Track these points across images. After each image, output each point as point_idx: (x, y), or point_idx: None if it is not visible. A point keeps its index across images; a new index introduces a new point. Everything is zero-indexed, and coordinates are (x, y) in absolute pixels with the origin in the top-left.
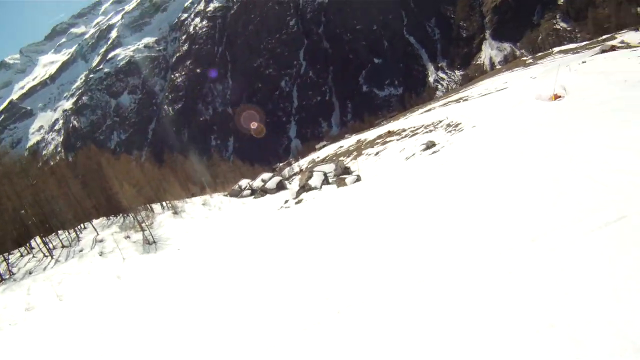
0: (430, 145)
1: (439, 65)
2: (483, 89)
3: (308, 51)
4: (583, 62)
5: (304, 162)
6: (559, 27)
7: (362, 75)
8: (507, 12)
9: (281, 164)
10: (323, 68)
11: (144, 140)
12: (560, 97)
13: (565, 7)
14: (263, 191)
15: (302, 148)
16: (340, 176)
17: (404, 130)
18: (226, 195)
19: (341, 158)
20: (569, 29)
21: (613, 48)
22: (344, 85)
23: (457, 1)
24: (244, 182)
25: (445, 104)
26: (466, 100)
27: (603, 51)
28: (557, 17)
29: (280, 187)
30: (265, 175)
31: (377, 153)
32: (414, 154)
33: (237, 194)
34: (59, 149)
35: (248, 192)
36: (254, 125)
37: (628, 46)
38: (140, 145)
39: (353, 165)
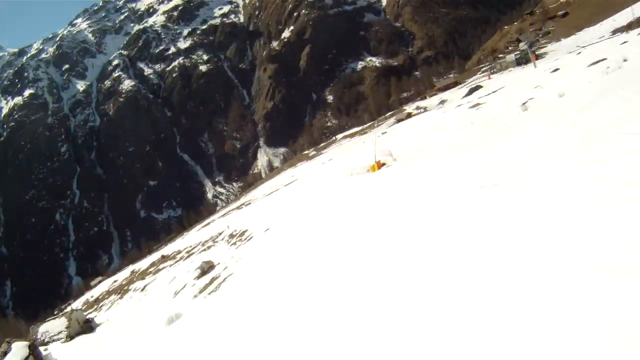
0: (206, 268)
1: (216, 180)
2: (268, 188)
3: (81, 179)
4: (383, 133)
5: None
6: (330, 123)
7: (138, 199)
8: (278, 118)
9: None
10: (98, 196)
11: None
12: (384, 164)
13: (336, 105)
14: None
15: (83, 285)
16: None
17: (179, 252)
18: None
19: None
20: (341, 124)
21: (409, 115)
22: (121, 212)
23: (228, 113)
24: None
25: (225, 214)
26: (249, 204)
27: (399, 120)
28: (328, 114)
29: None
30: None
31: (143, 288)
32: (184, 286)
33: None
34: None
35: None
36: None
37: (425, 109)
38: None
39: (99, 315)
